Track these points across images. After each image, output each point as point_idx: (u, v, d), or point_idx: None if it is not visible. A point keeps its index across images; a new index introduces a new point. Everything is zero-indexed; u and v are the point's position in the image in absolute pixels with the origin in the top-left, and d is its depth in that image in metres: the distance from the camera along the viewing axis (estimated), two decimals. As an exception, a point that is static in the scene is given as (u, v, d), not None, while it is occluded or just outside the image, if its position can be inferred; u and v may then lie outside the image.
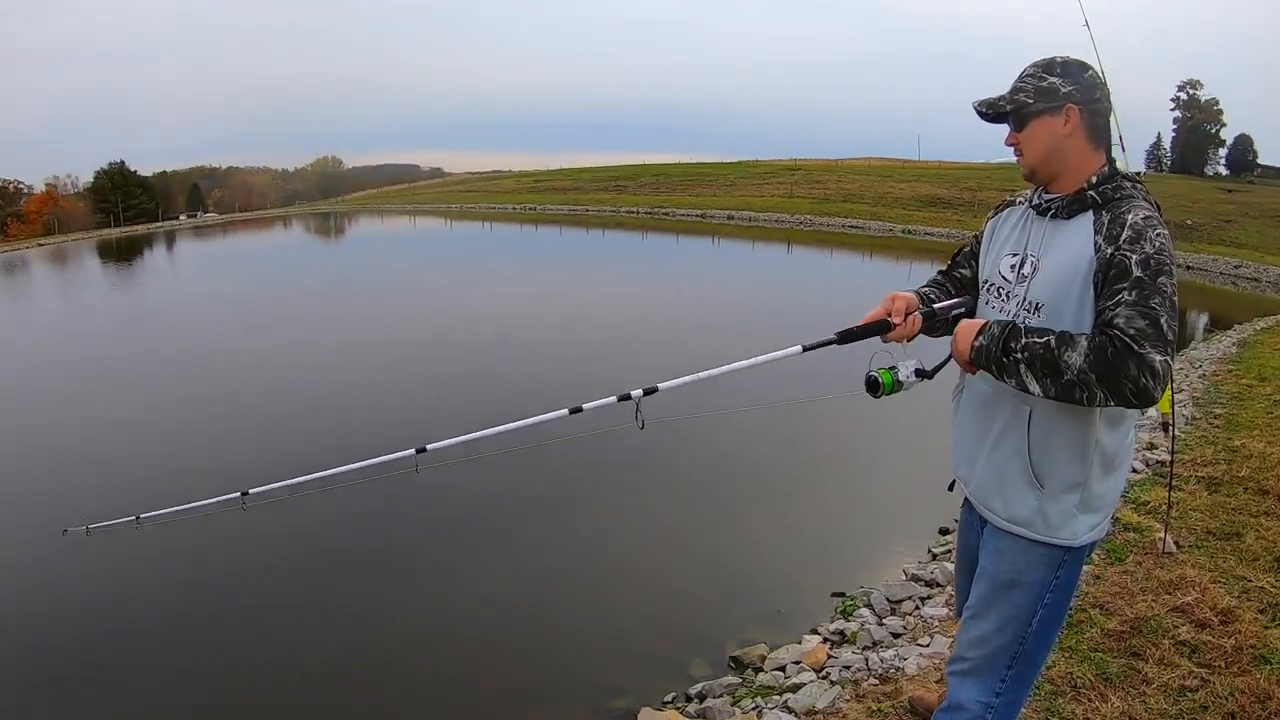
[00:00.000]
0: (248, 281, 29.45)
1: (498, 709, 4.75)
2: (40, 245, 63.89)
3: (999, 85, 2.16)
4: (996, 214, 2.33)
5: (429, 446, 2.79)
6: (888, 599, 5.06)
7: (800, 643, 4.81)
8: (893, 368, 2.18)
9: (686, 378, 2.41)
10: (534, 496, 7.60)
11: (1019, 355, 1.90)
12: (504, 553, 6.63)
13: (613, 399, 2.51)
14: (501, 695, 4.88)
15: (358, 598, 5.89)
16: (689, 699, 4.48)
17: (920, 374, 2.20)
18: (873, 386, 2.19)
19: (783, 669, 4.50)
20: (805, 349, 2.27)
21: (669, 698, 4.55)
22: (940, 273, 2.48)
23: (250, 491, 3.27)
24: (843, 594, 5.44)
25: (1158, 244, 1.87)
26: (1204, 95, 70.21)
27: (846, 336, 2.23)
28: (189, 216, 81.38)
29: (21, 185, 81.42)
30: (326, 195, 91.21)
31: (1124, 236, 1.88)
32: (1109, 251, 1.89)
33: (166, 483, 7.64)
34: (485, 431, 2.71)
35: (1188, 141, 70.46)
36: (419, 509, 7.26)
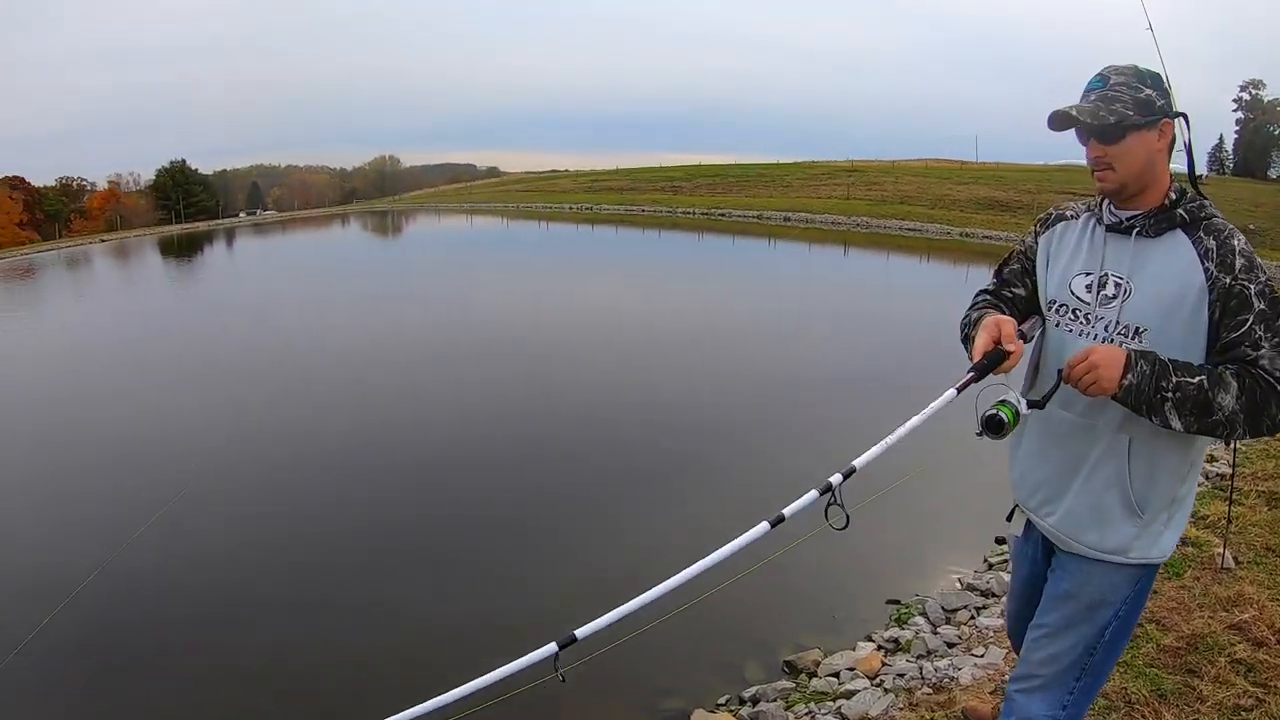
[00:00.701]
0: (330, 278, 30.07)
1: (553, 704, 4.91)
2: (103, 241, 66.63)
3: (1058, 86, 2.03)
4: (1047, 229, 2.23)
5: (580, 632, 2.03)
6: (943, 608, 5.07)
7: (854, 649, 4.85)
8: (1005, 400, 1.99)
9: (876, 449, 2.04)
10: (602, 493, 7.89)
11: (1169, 395, 1.86)
12: (564, 545, 6.88)
13: (813, 494, 2.06)
14: (558, 691, 5.05)
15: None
16: (741, 702, 4.57)
17: (1033, 404, 2.05)
18: (997, 426, 1.97)
19: (836, 675, 4.56)
20: (959, 390, 2.03)
21: (722, 700, 4.65)
22: (987, 292, 2.35)
23: None
24: (897, 602, 5.47)
25: (1264, 271, 1.89)
26: (1267, 96, 67.54)
27: (982, 371, 2.02)
28: (248, 214, 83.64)
29: (85, 182, 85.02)
30: (384, 194, 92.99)
31: (1238, 265, 1.88)
32: (1226, 281, 1.88)
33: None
34: (641, 602, 2.07)
35: (1250, 143, 67.62)
36: (520, 495, 7.68)
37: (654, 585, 2.06)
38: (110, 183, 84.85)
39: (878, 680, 4.35)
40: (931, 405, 2.09)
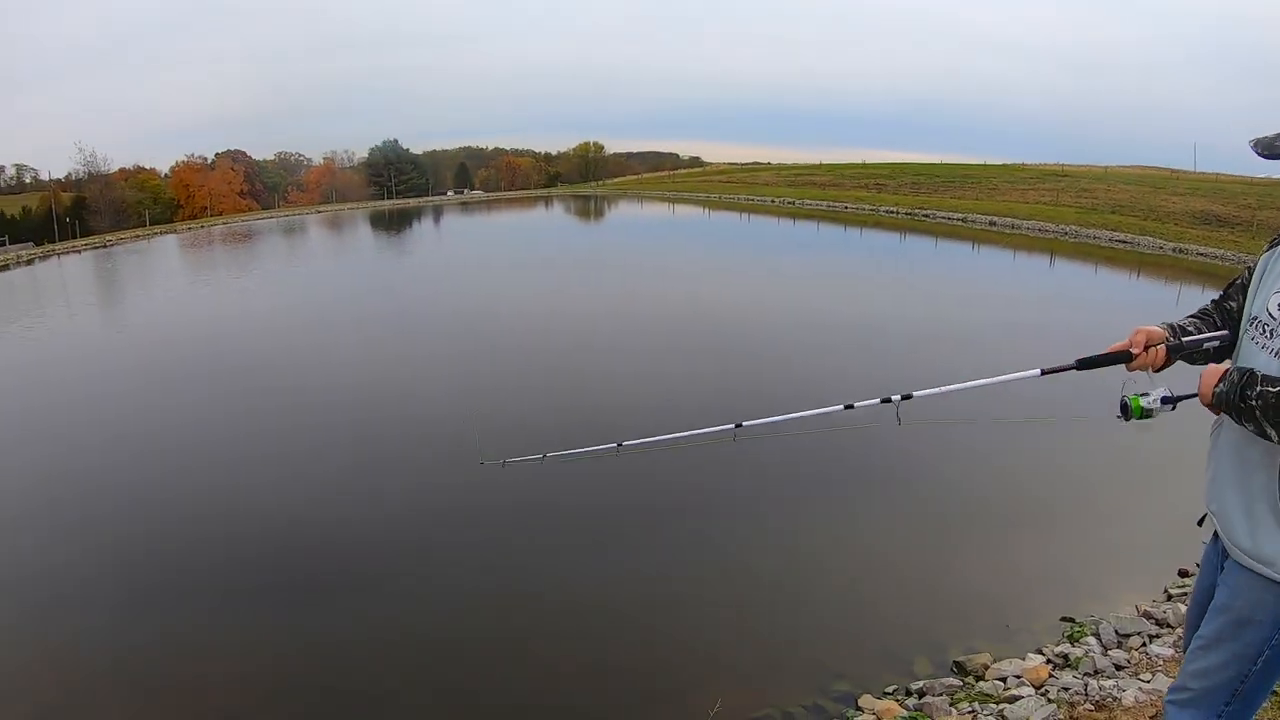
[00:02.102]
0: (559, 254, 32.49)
1: (736, 672, 5.58)
2: (318, 212, 73.55)
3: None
4: (1272, 248, 2.24)
5: (745, 423, 3.63)
6: (1116, 631, 5.25)
7: (1024, 659, 5.16)
8: (1144, 394, 2.30)
9: (937, 389, 2.91)
10: (806, 484, 8.63)
11: (1255, 403, 1.97)
12: (760, 533, 7.61)
13: (877, 400, 3.07)
14: (742, 662, 5.72)
15: (667, 546, 7.36)
16: (909, 693, 5.04)
17: (1167, 401, 2.30)
18: (1122, 409, 2.34)
19: (1003, 680, 4.91)
20: (1044, 372, 2.48)
21: (890, 688, 5.13)
22: (1212, 302, 2.46)
23: (624, 443, 4.30)
24: (1072, 619, 5.68)
25: None
26: None
27: (1085, 363, 2.36)
28: (455, 193, 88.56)
29: (302, 157, 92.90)
30: (586, 179, 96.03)
31: None
32: None
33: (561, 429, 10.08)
34: (789, 415, 3.47)
35: None
36: (728, 477, 8.63)
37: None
38: (326, 159, 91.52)
39: (1043, 690, 4.67)
40: (1012, 374, 2.58)
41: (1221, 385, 2.07)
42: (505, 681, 5.62)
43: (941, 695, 4.84)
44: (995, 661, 5.17)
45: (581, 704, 5.40)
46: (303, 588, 6.88)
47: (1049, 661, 5.07)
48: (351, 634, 6.16)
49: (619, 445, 4.32)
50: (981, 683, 4.96)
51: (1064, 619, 5.72)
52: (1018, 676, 4.90)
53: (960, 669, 5.21)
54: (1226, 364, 2.20)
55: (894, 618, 6.07)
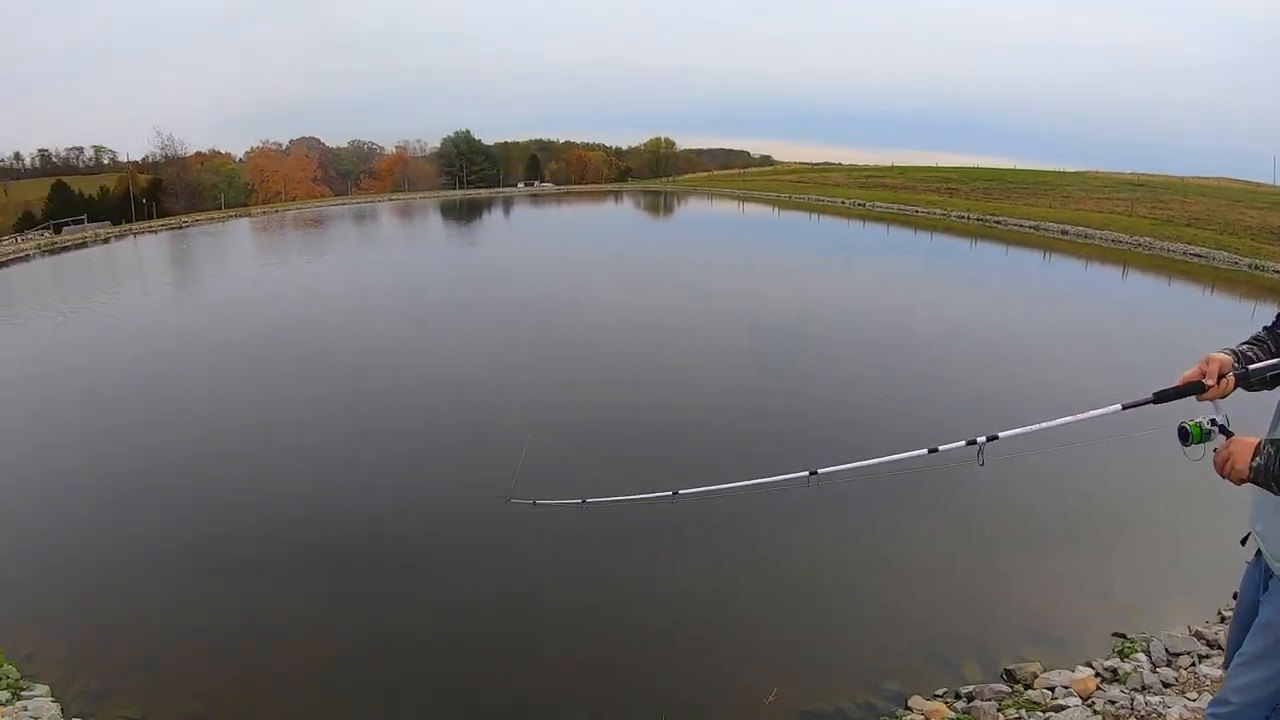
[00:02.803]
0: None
1: (792, 666, 5.86)
2: (390, 199, 75.62)
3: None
4: None
5: (820, 470, 3.56)
6: (1166, 649, 5.38)
7: (1073, 670, 5.35)
8: (1201, 421, 2.31)
9: (1022, 429, 2.84)
10: (872, 505, 8.52)
11: None
12: (823, 541, 7.81)
13: (961, 443, 3.01)
14: (798, 658, 6.01)
15: (737, 582, 7.22)
16: (958, 696, 5.27)
17: (1224, 431, 2.30)
18: (1182, 435, 2.33)
19: (1051, 689, 5.10)
20: (1124, 407, 2.48)
21: (939, 691, 5.36)
22: (1265, 329, 2.49)
23: (681, 491, 4.23)
24: (1124, 635, 5.82)
25: None
26: None
27: (1163, 397, 2.37)
28: (525, 185, 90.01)
29: (375, 146, 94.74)
30: (657, 174, 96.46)
31: None
32: None
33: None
34: (870, 461, 3.41)
35: None
36: (804, 519, 8.10)
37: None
38: (398, 147, 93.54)
39: (1090, 701, 4.85)
40: (1094, 410, 2.60)
41: (1259, 459, 2.14)
42: (585, 677, 5.97)
43: (990, 700, 5.05)
44: (1045, 671, 5.35)
45: (661, 686, 5.78)
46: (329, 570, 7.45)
47: (1098, 675, 5.23)
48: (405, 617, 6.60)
49: (675, 494, 4.16)
50: (1030, 691, 5.15)
51: (1116, 634, 5.85)
52: (1066, 687, 5.07)
53: (1010, 676, 5.40)
54: (1251, 438, 2.24)
55: (947, 625, 6.28)
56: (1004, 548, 7.64)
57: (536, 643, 6.29)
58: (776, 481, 3.77)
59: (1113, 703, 4.74)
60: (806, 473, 3.57)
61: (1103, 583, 6.91)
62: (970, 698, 5.17)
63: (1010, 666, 5.50)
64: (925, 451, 3.24)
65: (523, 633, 6.41)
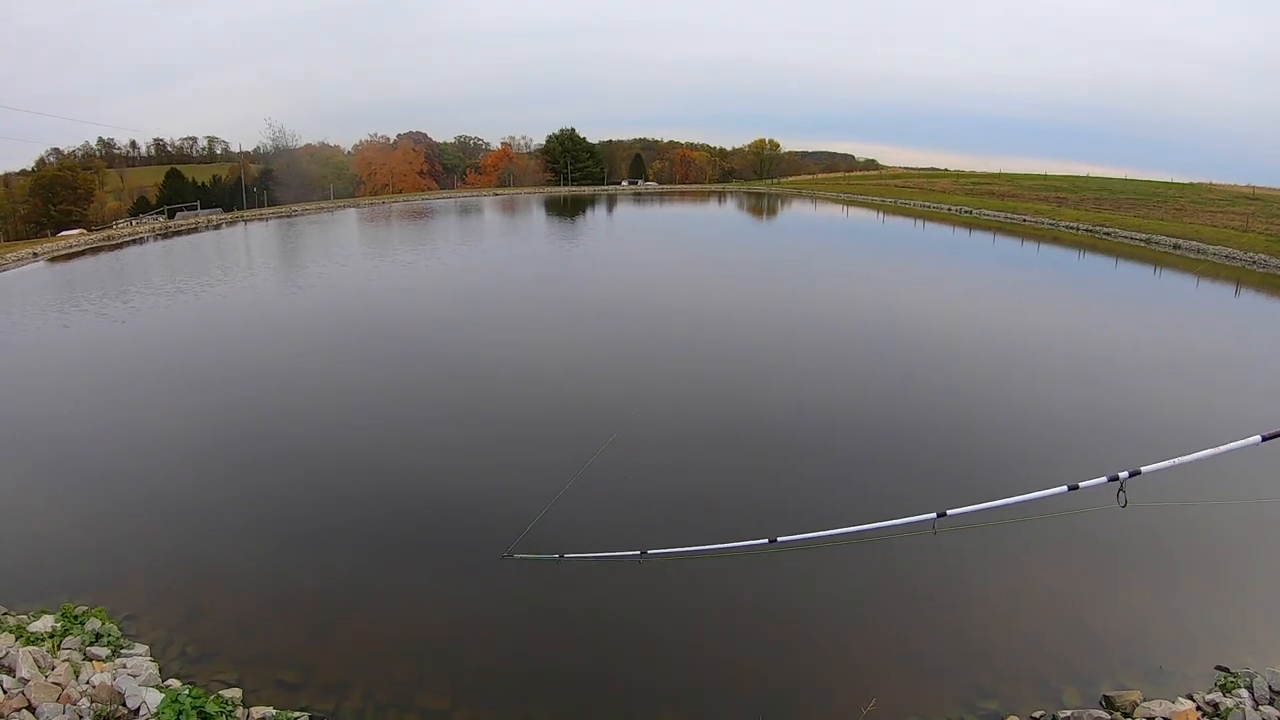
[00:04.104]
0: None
1: (892, 679, 6.16)
2: (495, 194, 77.69)
3: None
4: None
5: (949, 512, 3.68)
6: (1270, 687, 5.45)
7: (1174, 702, 5.48)
8: None
9: (1166, 463, 2.87)
10: None
11: None
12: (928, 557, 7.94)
13: (1103, 479, 3.03)
14: (899, 673, 6.31)
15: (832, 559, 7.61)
16: (1054, 719, 5.41)
17: None
18: None
19: (1150, 719, 5.21)
20: (1265, 439, 2.48)
21: (1037, 714, 5.56)
22: None
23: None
24: (1227, 670, 5.90)
25: None
26: None
27: None
28: (629, 183, 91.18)
29: (481, 141, 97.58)
30: (761, 176, 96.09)
31: None
32: None
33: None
34: (1003, 501, 3.54)
35: None
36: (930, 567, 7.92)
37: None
38: (503, 143, 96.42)
39: (1188, 734, 4.95)
40: (1234, 443, 2.57)
41: None
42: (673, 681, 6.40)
43: (1087, 725, 5.20)
44: (1145, 701, 5.47)
45: (771, 689, 6.13)
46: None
47: (1199, 708, 5.33)
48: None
49: (772, 540, 4.28)
50: (1127, 719, 5.27)
51: (1219, 668, 5.92)
52: (1166, 718, 5.18)
53: (1109, 703, 5.56)
54: None
55: (1049, 649, 6.44)
56: (1107, 573, 7.67)
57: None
58: (902, 525, 3.97)
59: (1212, 737, 4.85)
60: (934, 514, 3.70)
61: (1208, 615, 6.91)
62: (1067, 721, 5.33)
63: (1110, 693, 5.64)
64: (1065, 489, 3.28)
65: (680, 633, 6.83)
